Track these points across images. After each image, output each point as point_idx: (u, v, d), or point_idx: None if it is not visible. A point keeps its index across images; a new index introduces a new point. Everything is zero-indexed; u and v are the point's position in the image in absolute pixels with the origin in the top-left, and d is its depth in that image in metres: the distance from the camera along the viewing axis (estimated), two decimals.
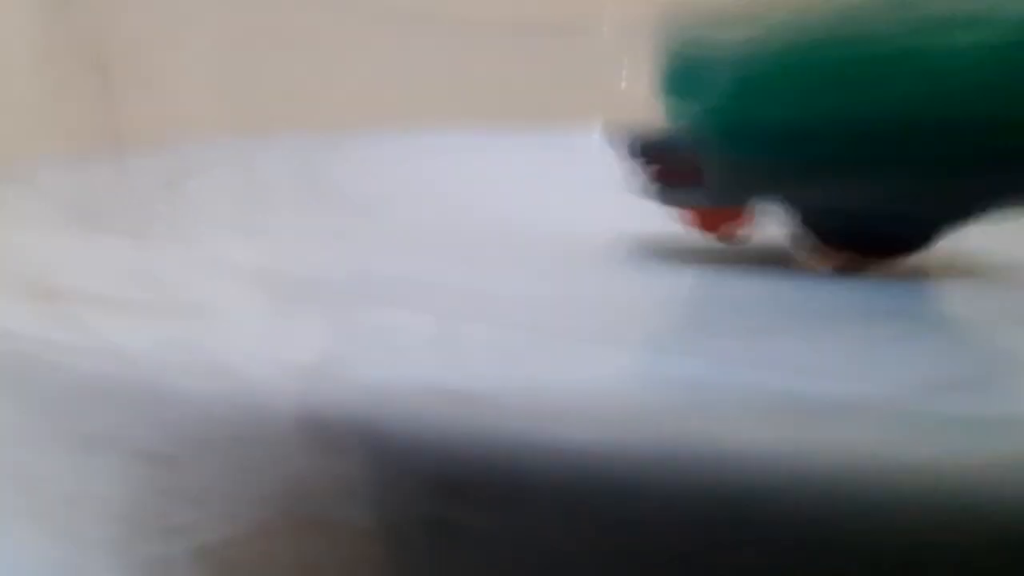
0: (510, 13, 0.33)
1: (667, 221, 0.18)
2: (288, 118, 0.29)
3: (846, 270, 0.13)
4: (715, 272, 0.14)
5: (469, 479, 0.08)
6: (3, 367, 0.10)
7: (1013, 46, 0.09)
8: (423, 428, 0.08)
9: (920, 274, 0.13)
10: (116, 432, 0.09)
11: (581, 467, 0.08)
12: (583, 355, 0.10)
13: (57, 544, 0.10)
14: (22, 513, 0.10)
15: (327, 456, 0.09)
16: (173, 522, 0.09)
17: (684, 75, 0.12)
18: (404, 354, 0.10)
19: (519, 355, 0.10)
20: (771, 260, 0.14)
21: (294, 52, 0.30)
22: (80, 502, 0.10)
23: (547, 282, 0.13)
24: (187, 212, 0.17)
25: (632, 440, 0.08)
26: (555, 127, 0.31)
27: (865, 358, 0.10)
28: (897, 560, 0.07)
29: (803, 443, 0.08)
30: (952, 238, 0.12)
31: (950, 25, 0.09)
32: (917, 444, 0.08)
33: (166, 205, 0.18)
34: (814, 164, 0.11)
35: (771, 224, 0.14)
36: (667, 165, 0.13)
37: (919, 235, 0.12)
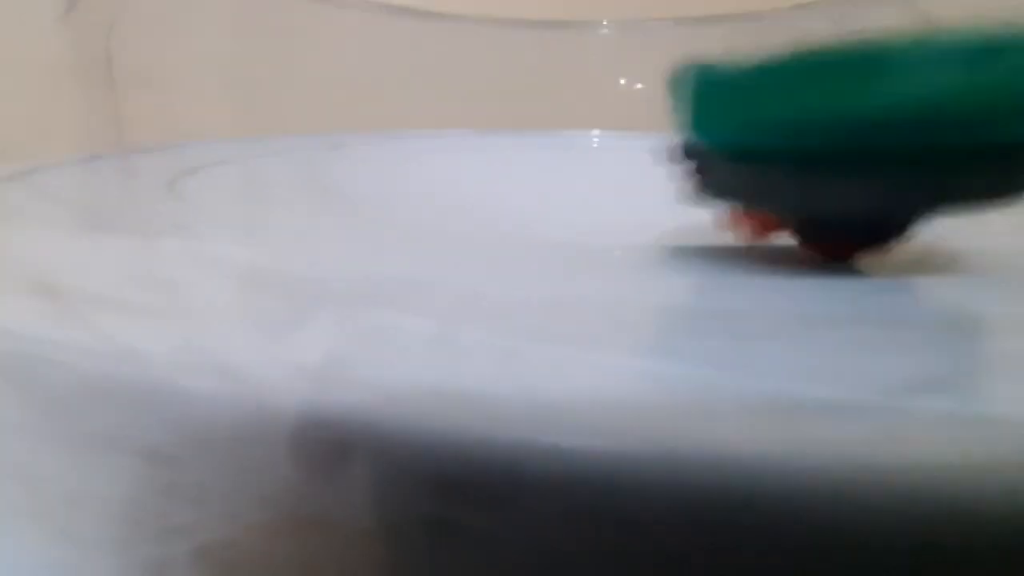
0: (510, 11, 0.33)
1: (666, 221, 0.18)
2: (290, 119, 0.29)
3: (835, 260, 0.14)
4: (713, 273, 0.14)
5: (469, 480, 0.08)
6: (4, 366, 0.10)
7: (979, 54, 0.11)
8: (423, 429, 0.08)
9: (907, 273, 0.14)
10: (117, 431, 0.09)
11: (580, 468, 0.08)
12: (582, 358, 0.10)
13: (57, 544, 0.10)
14: (22, 512, 0.10)
15: (327, 457, 0.09)
16: (173, 522, 0.09)
17: (695, 89, 0.13)
18: (404, 355, 0.10)
19: (518, 357, 0.10)
20: (772, 261, 0.14)
21: (296, 53, 0.30)
22: (81, 501, 0.10)
23: (547, 284, 0.13)
24: (189, 212, 0.17)
25: (630, 442, 0.08)
26: (555, 127, 0.31)
27: (853, 360, 0.10)
28: (891, 560, 0.08)
29: (796, 444, 0.08)
30: (936, 234, 0.13)
31: (924, 42, 0.12)
32: (903, 445, 0.08)
33: (169, 205, 0.18)
34: (804, 162, 0.12)
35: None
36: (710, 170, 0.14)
37: (896, 226, 0.13)
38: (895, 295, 0.13)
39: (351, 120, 0.30)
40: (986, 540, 0.07)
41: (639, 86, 0.31)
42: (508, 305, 0.12)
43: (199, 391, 0.09)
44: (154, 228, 0.15)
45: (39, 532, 0.10)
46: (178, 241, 0.15)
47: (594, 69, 0.32)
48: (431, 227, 0.18)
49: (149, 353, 0.09)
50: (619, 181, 0.24)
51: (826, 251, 0.14)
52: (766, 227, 0.14)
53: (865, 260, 0.14)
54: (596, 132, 0.30)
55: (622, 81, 0.31)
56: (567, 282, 0.14)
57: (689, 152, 0.14)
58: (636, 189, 0.21)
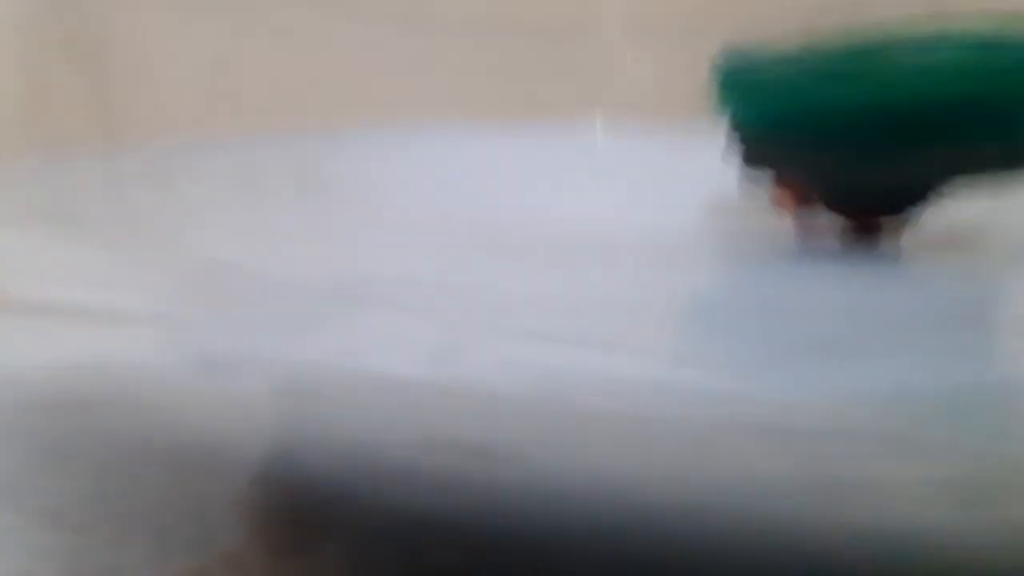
0: (510, 7, 0.32)
1: (667, 217, 0.18)
2: (283, 114, 0.28)
3: (857, 232, 0.15)
4: (720, 269, 0.15)
5: (453, 521, 0.07)
6: None
7: (976, 48, 0.13)
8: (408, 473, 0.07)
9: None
10: (78, 449, 0.09)
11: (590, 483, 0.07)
12: (589, 362, 0.09)
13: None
14: None
15: (305, 475, 0.08)
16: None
17: (731, 73, 0.15)
18: (399, 360, 0.09)
19: (520, 362, 0.09)
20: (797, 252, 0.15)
21: (288, 47, 0.30)
22: (41, 517, 0.09)
23: (549, 283, 0.13)
24: (172, 207, 0.17)
25: (638, 453, 0.07)
26: (556, 122, 0.30)
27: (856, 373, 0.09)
28: None
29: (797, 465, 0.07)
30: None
31: (932, 38, 0.13)
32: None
33: (150, 200, 0.17)
34: (831, 138, 0.14)
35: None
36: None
37: (911, 196, 0.15)
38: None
39: (347, 112, 0.29)
40: None
41: (647, 68, 0.30)
42: (510, 306, 0.11)
43: (173, 404, 0.08)
44: (133, 228, 0.15)
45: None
46: (155, 239, 0.14)
47: (596, 64, 0.31)
48: (429, 226, 0.17)
49: (116, 366, 0.09)
50: (625, 172, 0.23)
51: (851, 217, 0.15)
52: (799, 196, 0.16)
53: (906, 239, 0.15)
54: (600, 121, 0.30)
55: (625, 76, 0.30)
56: (570, 282, 0.13)
57: (734, 128, 0.16)
58: (641, 181, 0.21)
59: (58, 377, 0.09)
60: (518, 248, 0.15)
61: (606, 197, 0.21)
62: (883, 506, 0.07)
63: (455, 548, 0.07)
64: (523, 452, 0.07)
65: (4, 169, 0.19)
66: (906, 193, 0.15)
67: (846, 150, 0.14)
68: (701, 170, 0.18)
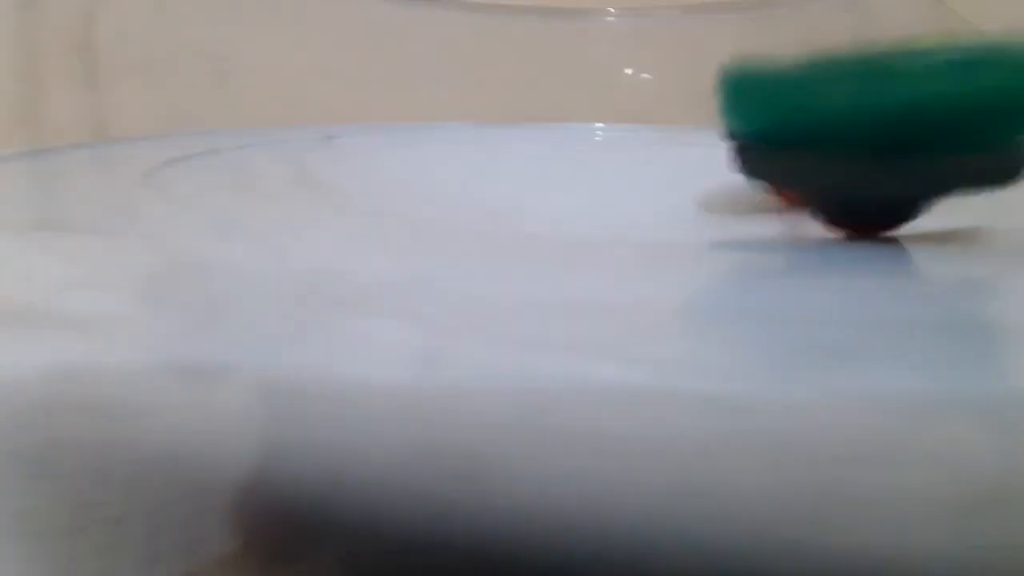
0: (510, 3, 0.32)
1: (668, 218, 0.18)
2: (278, 110, 0.28)
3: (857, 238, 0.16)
4: (719, 272, 0.14)
5: (441, 528, 0.07)
6: None
7: (969, 64, 0.14)
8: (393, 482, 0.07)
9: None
10: (67, 454, 0.09)
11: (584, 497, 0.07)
12: (587, 370, 0.09)
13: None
14: None
15: (291, 483, 0.08)
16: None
17: (735, 84, 0.15)
18: (384, 369, 0.09)
19: (510, 368, 0.09)
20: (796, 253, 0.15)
21: (284, 41, 0.29)
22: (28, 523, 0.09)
23: (547, 286, 0.13)
24: (163, 206, 0.16)
25: (631, 461, 0.07)
26: (557, 119, 0.30)
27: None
28: None
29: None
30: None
31: (926, 53, 0.14)
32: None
33: (142, 198, 0.17)
34: (829, 151, 0.14)
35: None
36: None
37: (906, 210, 0.15)
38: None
39: (343, 110, 0.29)
40: None
41: (645, 76, 0.30)
42: (505, 311, 0.11)
43: (154, 409, 0.08)
44: (119, 226, 0.14)
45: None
46: (142, 238, 0.13)
47: (599, 59, 0.31)
48: (426, 225, 0.17)
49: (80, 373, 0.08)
50: (623, 175, 0.23)
51: (847, 230, 0.16)
52: (797, 206, 0.16)
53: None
54: (599, 125, 0.30)
55: (628, 71, 0.30)
56: (568, 285, 0.13)
57: (732, 139, 0.16)
58: (640, 183, 0.21)
59: (46, 381, 0.09)
60: (514, 250, 0.15)
61: (605, 198, 0.21)
62: (884, 513, 0.07)
63: (443, 554, 0.07)
64: (513, 459, 0.07)
65: None
66: (906, 207, 0.15)
67: (847, 164, 0.14)
68: (701, 171, 0.18)
